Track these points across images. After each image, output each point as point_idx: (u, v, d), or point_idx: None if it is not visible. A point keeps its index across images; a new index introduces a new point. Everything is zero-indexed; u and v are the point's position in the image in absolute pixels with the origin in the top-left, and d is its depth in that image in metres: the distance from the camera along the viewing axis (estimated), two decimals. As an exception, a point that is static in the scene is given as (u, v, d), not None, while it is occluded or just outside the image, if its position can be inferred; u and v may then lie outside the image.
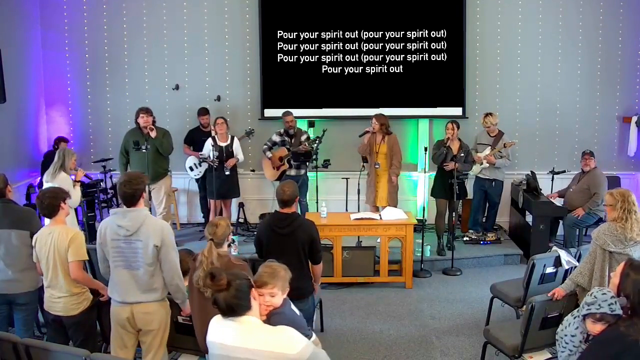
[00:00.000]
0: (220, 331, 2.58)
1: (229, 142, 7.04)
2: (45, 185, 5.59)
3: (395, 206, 6.86)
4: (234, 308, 2.53)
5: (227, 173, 6.95)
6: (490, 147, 7.15)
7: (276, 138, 7.29)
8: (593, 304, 3.01)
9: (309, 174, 7.32)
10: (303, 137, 7.15)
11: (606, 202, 4.05)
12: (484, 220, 7.50)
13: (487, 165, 7.11)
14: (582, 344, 3.14)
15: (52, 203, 3.84)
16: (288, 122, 7.17)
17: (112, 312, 3.71)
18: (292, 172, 7.22)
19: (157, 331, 3.67)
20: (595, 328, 3.02)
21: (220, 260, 3.45)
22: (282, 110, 7.33)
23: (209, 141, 6.98)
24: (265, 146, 7.33)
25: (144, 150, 6.64)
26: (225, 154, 6.95)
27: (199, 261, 3.45)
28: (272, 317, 2.81)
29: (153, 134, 6.77)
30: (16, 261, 4.15)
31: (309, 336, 2.88)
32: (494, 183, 7.22)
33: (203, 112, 7.61)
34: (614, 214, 3.94)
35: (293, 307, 3.04)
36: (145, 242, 3.53)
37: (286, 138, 7.24)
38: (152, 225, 3.57)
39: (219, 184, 6.90)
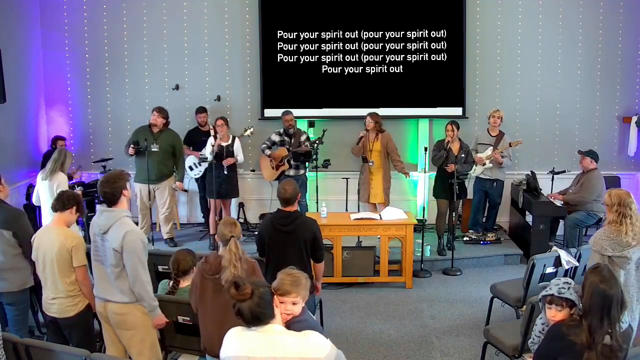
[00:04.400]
0: (242, 343, 2.52)
1: (229, 142, 7.03)
2: (40, 184, 5.58)
3: (389, 203, 6.88)
4: (260, 317, 2.50)
5: (225, 172, 6.91)
6: (492, 147, 7.15)
7: (275, 138, 7.28)
8: (545, 287, 3.14)
9: (308, 174, 7.32)
10: (303, 138, 7.14)
11: (604, 201, 4.06)
12: (484, 221, 7.51)
13: (491, 165, 7.10)
14: (542, 334, 3.23)
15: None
16: (288, 122, 7.15)
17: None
18: (291, 173, 7.20)
19: (133, 332, 3.65)
20: (550, 314, 3.09)
21: (242, 256, 3.46)
22: (282, 110, 7.32)
23: (210, 140, 6.98)
24: (264, 145, 7.29)
25: (142, 149, 6.65)
26: (225, 153, 6.94)
27: (226, 260, 3.38)
28: (293, 325, 2.73)
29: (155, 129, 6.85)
30: (1, 260, 4.16)
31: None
32: (495, 183, 7.22)
33: (200, 110, 7.62)
34: (610, 216, 3.96)
35: (309, 313, 2.99)
36: (110, 243, 3.55)
37: (285, 138, 7.23)
38: (118, 229, 3.54)
39: (218, 183, 6.89)
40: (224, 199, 7.10)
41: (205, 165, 7.29)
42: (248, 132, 7.35)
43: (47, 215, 5.59)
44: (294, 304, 2.78)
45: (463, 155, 6.80)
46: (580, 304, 2.97)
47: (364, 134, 7.04)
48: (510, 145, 7.06)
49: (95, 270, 3.71)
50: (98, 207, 3.70)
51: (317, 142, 6.90)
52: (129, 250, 3.51)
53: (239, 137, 7.21)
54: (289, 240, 4.12)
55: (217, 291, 3.39)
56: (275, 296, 2.62)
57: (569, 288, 3.06)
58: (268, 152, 7.28)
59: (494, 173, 7.18)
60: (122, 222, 3.57)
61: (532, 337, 3.39)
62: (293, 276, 2.83)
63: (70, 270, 3.81)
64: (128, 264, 3.53)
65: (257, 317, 2.49)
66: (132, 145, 6.72)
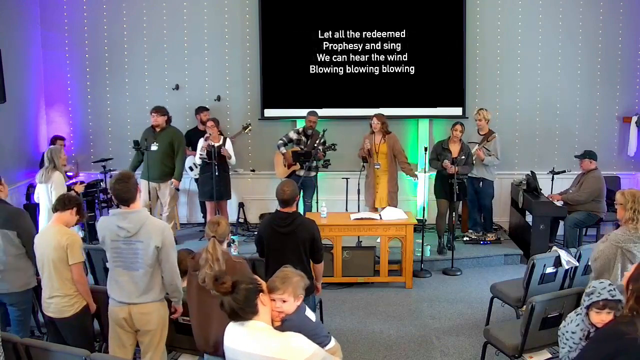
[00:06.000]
0: (232, 335, 2.57)
1: (220, 142, 7.00)
2: (39, 187, 5.61)
3: (396, 207, 6.87)
4: (238, 312, 2.51)
5: (217, 174, 6.87)
6: (477, 144, 7.16)
7: (293, 135, 7.25)
8: (592, 293, 3.05)
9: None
10: (319, 141, 7.10)
11: (617, 200, 4.04)
12: (482, 220, 7.50)
13: (475, 162, 7.10)
14: (582, 341, 3.15)
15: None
16: (309, 122, 7.12)
17: (110, 311, 3.70)
18: (302, 173, 7.14)
19: (155, 331, 3.67)
20: (601, 318, 3.02)
21: (223, 257, 3.46)
22: (282, 110, 7.32)
23: (202, 140, 6.95)
24: (281, 141, 7.27)
25: (143, 150, 6.66)
26: (217, 154, 6.92)
27: (203, 259, 3.42)
28: (283, 324, 2.76)
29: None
30: (3, 261, 4.14)
31: (322, 343, 2.82)
32: (481, 183, 7.21)
33: (203, 109, 7.62)
34: (625, 214, 3.93)
35: (309, 313, 2.96)
36: (146, 243, 3.52)
37: (303, 137, 7.20)
38: (153, 226, 3.56)
39: (210, 185, 6.87)
40: (215, 200, 6.99)
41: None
42: (247, 131, 7.34)
43: (44, 217, 5.61)
44: (283, 301, 2.79)
45: (463, 157, 6.79)
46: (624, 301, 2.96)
47: (368, 145, 6.95)
48: (487, 140, 7.05)
49: (116, 275, 3.63)
50: (114, 211, 3.62)
51: (326, 148, 6.86)
52: (168, 244, 3.57)
53: (233, 138, 7.20)
54: (288, 242, 4.11)
55: (199, 288, 3.44)
56: (264, 293, 2.62)
57: (614, 289, 3.03)
58: (283, 149, 7.26)
59: (480, 171, 7.18)
60: (152, 220, 3.60)
61: (566, 347, 3.21)
62: (284, 273, 2.86)
63: (66, 268, 3.79)
64: (168, 258, 3.57)
65: (236, 312, 2.51)
66: (135, 146, 6.73)
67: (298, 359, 2.43)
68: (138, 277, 3.57)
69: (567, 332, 3.23)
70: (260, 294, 2.58)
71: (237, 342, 2.52)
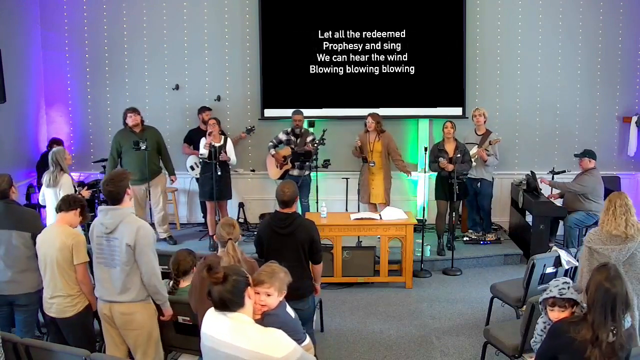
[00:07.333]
0: (213, 324, 2.60)
1: (222, 142, 7.00)
2: (46, 191, 5.58)
3: (389, 203, 6.90)
4: (226, 303, 2.55)
5: (219, 173, 6.88)
6: (477, 145, 7.16)
7: (282, 136, 7.27)
8: (545, 290, 3.17)
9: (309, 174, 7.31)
10: (309, 138, 7.09)
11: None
12: (481, 221, 7.50)
13: (475, 164, 7.10)
14: (543, 333, 3.26)
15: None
16: (296, 121, 7.14)
17: (97, 307, 3.76)
18: (295, 172, 7.17)
19: (140, 332, 3.66)
20: (554, 315, 3.12)
21: (242, 258, 3.49)
22: (282, 110, 7.31)
23: (203, 140, 6.94)
24: (271, 143, 7.29)
25: (143, 149, 6.65)
26: (218, 153, 6.92)
27: (225, 262, 3.43)
28: (266, 318, 2.81)
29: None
30: (16, 262, 4.14)
31: (301, 340, 2.88)
32: (480, 183, 7.21)
33: (205, 109, 7.62)
34: (602, 216, 4.01)
35: (289, 310, 3.02)
36: (120, 240, 3.54)
37: (292, 137, 7.22)
38: (129, 224, 3.56)
39: (210, 185, 6.87)
40: (217, 200, 6.98)
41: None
42: (251, 134, 7.37)
43: (52, 221, 5.58)
44: (268, 295, 2.86)
45: (459, 155, 6.79)
46: (584, 302, 2.99)
47: (358, 143, 7.05)
48: (490, 144, 7.06)
49: (99, 272, 3.68)
50: (100, 207, 3.68)
51: (317, 143, 6.90)
52: (144, 244, 3.54)
53: (235, 139, 7.19)
54: (287, 243, 4.12)
55: None
56: (250, 287, 2.66)
57: (568, 288, 3.09)
58: (273, 151, 7.28)
59: (479, 172, 7.19)
60: (130, 219, 3.59)
61: (534, 337, 3.40)
62: (271, 268, 2.94)
63: (70, 268, 3.80)
64: (143, 258, 3.55)
65: (224, 302, 2.54)
66: (135, 147, 6.70)
67: (280, 354, 2.48)
68: (115, 275, 3.59)
69: (537, 323, 3.39)
70: (248, 287, 2.63)
71: (221, 333, 2.56)
